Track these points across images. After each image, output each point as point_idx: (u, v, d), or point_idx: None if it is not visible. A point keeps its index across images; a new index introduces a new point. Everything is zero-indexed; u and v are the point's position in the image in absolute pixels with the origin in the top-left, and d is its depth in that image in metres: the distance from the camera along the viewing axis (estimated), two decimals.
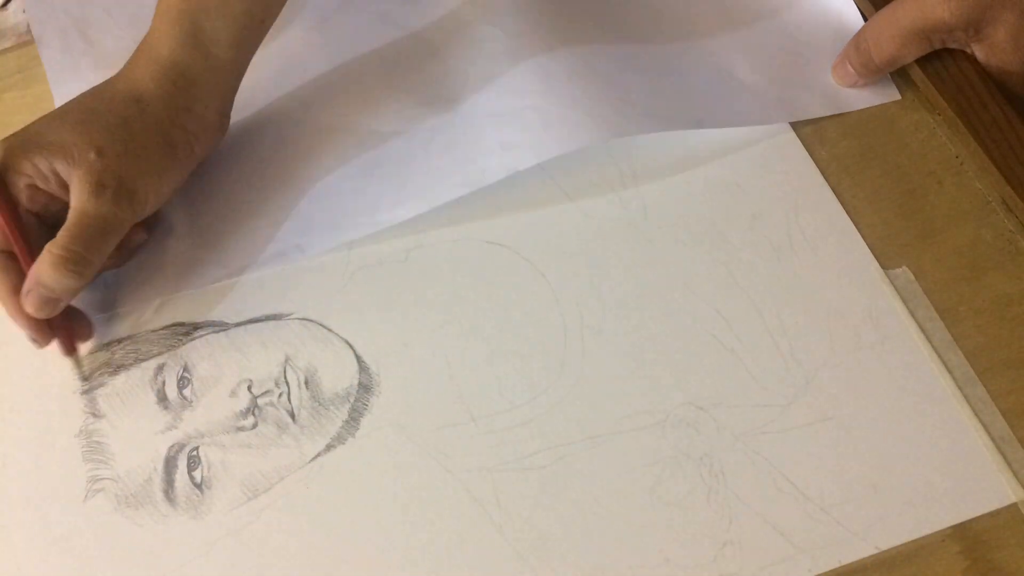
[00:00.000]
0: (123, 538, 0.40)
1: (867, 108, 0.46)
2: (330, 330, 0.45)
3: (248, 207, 0.48)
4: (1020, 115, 0.42)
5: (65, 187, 0.42)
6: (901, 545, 0.36)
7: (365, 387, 0.43)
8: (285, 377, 0.44)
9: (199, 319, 0.46)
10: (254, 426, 0.42)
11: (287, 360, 0.44)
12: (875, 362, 0.39)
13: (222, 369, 0.44)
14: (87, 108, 0.43)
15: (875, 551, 0.36)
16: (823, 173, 0.45)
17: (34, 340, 0.43)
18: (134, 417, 0.43)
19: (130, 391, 0.44)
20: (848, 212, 0.43)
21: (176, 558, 0.39)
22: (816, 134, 0.46)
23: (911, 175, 0.44)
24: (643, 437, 0.39)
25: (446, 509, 0.39)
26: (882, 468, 0.37)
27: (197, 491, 0.41)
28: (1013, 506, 0.36)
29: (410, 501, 0.40)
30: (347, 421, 0.42)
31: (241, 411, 0.43)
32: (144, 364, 0.45)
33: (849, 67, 0.46)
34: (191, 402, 0.43)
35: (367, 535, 0.39)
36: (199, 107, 0.45)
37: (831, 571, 0.35)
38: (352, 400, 0.43)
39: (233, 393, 0.43)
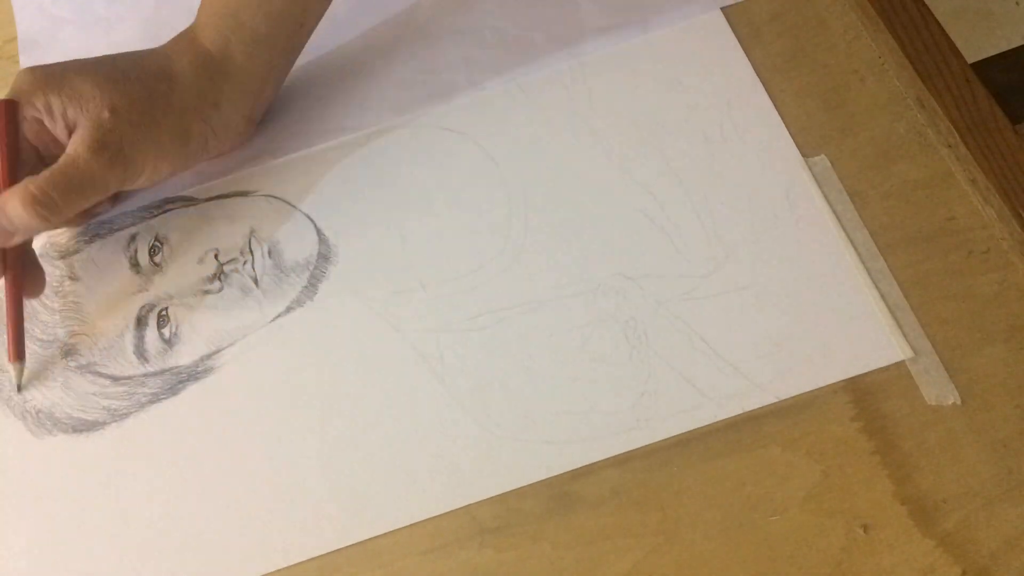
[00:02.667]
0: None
1: (803, 14, 0.49)
2: (293, 206, 0.48)
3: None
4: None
5: (68, 133, 0.42)
6: (798, 395, 0.40)
7: (324, 257, 0.46)
8: (250, 247, 0.47)
9: (170, 195, 0.49)
10: (220, 290, 0.46)
11: (252, 232, 0.47)
12: (789, 239, 0.43)
13: (191, 239, 0.47)
14: (118, 68, 0.43)
15: (774, 400, 0.40)
16: (757, 71, 0.48)
17: None
18: (108, 280, 0.47)
19: (104, 257, 0.47)
20: (776, 106, 0.46)
21: (147, 396, 0.43)
22: (753, 36, 0.49)
23: (836, 73, 0.47)
24: (576, 303, 0.43)
25: (395, 363, 0.43)
26: (787, 330, 0.41)
27: (166, 346, 0.45)
28: (901, 364, 0.40)
29: (362, 356, 0.43)
30: (306, 287, 0.46)
31: (208, 276, 0.46)
32: (117, 234, 0.48)
33: None
34: (161, 268, 0.47)
35: (322, 385, 0.43)
36: (227, 106, 0.45)
37: (734, 417, 0.40)
38: (312, 268, 0.46)
39: (201, 260, 0.47)
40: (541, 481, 0.39)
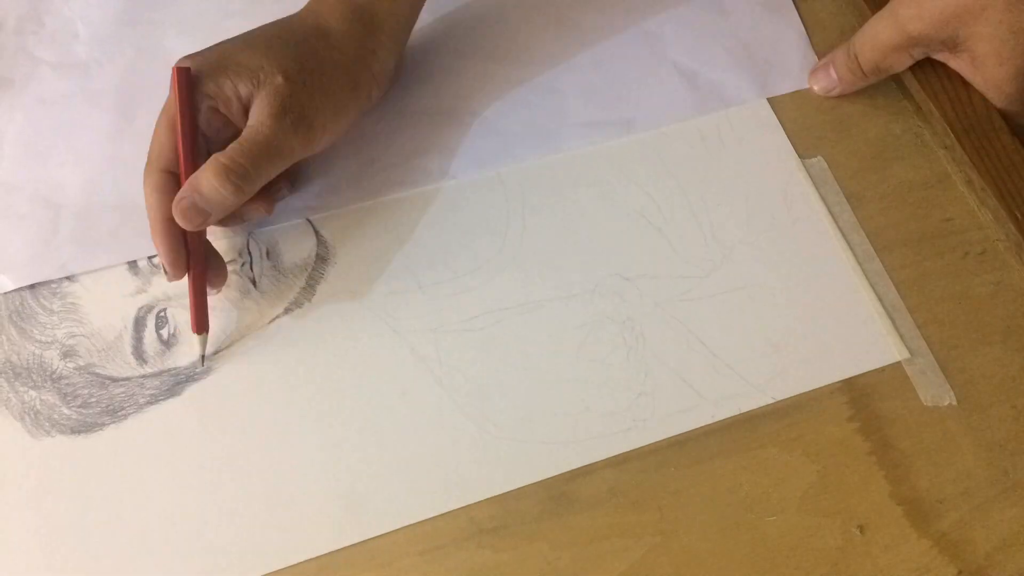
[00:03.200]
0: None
1: (800, 16, 0.49)
2: (291, 207, 0.48)
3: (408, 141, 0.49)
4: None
5: (244, 112, 0.42)
6: (795, 396, 0.40)
7: (322, 258, 0.46)
8: (248, 248, 0.47)
9: None
10: (218, 291, 0.46)
11: (250, 233, 0.47)
12: (786, 240, 0.43)
13: None
14: (273, 36, 0.43)
15: (771, 401, 0.40)
16: None
17: (166, 271, 0.42)
18: (106, 281, 0.47)
19: None
20: (774, 107, 0.47)
21: (146, 397, 0.43)
22: None
23: None
24: (573, 303, 0.43)
25: (393, 364, 0.43)
26: (784, 331, 0.41)
27: (164, 347, 0.45)
28: (897, 364, 0.40)
29: (360, 357, 0.43)
30: (304, 288, 0.46)
31: None
32: None
33: (832, 73, 0.46)
34: (159, 268, 0.47)
35: (320, 386, 0.43)
36: (383, 52, 0.45)
37: (731, 418, 0.40)
38: (310, 270, 0.46)
39: None
40: (538, 482, 0.39)
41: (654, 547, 0.38)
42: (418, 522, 0.39)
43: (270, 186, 0.44)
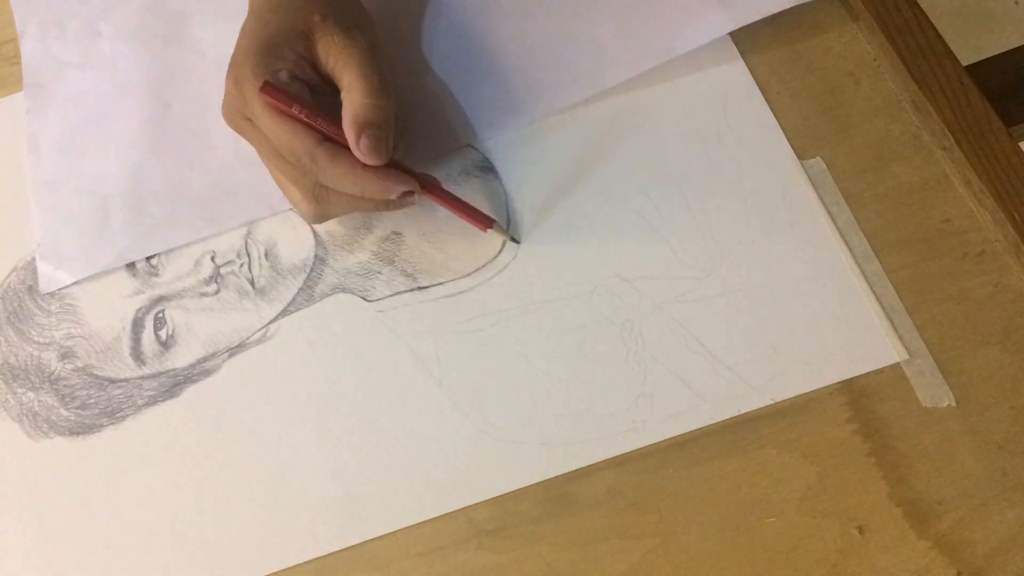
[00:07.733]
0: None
1: (798, 17, 0.49)
2: (290, 208, 0.48)
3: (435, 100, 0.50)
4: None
5: (312, 64, 0.41)
6: (794, 397, 0.40)
7: (321, 259, 0.46)
8: (247, 249, 0.47)
9: None
10: (216, 292, 0.46)
11: (249, 234, 0.47)
12: (785, 241, 0.43)
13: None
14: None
15: (770, 402, 0.40)
16: (753, 73, 0.48)
17: (406, 195, 0.42)
18: (104, 283, 0.47)
19: None
20: (772, 108, 0.46)
21: (144, 398, 0.43)
22: (749, 39, 0.49)
23: (832, 76, 0.47)
24: (572, 305, 0.43)
25: (392, 366, 0.43)
26: (783, 332, 0.41)
27: (162, 348, 0.45)
28: (896, 366, 0.40)
29: (358, 358, 0.43)
30: (303, 289, 0.46)
31: (205, 279, 0.46)
32: None
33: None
34: (158, 270, 0.47)
35: (319, 387, 0.43)
36: None
37: (730, 419, 0.40)
38: (308, 271, 0.46)
39: (198, 263, 0.47)
40: (538, 483, 0.39)
41: (653, 548, 0.38)
42: (417, 523, 0.39)
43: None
